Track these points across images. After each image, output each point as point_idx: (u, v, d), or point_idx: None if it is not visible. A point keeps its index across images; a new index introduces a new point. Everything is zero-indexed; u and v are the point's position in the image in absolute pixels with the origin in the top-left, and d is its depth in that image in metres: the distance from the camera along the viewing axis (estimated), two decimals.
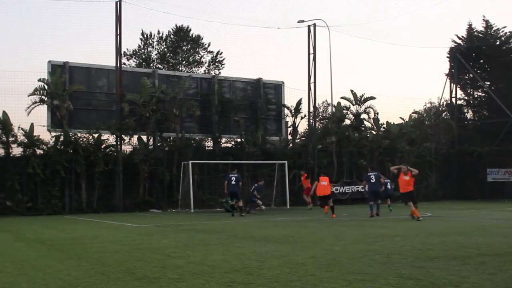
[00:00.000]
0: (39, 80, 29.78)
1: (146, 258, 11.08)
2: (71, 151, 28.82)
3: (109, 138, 30.64)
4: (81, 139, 29.33)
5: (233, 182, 24.65)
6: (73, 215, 26.68)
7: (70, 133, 29.13)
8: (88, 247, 13.30)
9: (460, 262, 10.20)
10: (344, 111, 38.52)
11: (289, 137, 37.62)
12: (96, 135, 29.71)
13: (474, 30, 44.95)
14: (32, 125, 29.04)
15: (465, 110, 46.55)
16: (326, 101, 45.52)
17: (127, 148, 31.68)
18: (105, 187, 29.67)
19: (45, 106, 29.95)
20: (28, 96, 29.61)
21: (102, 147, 30.06)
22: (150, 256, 11.38)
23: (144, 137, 32.20)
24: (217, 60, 55.79)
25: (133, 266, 9.82)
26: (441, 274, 9.02)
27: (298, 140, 38.57)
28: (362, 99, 38.29)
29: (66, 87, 29.74)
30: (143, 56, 54.80)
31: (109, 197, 29.71)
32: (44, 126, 29.68)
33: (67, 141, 28.86)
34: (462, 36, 45.08)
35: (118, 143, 30.58)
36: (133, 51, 54.30)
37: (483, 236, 14.89)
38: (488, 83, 43.74)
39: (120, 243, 14.15)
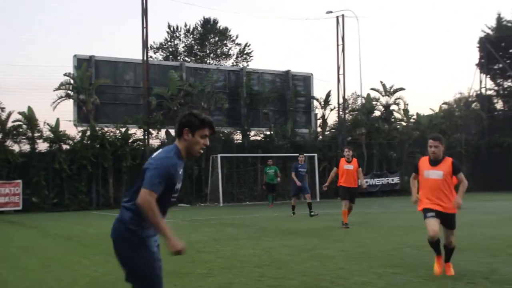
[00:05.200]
0: (65, 74, 29.83)
1: None
2: (98, 145, 28.79)
3: (137, 132, 30.60)
4: (108, 133, 29.30)
5: (303, 174, 21.55)
6: (100, 211, 26.72)
7: (97, 128, 29.12)
8: None
9: (490, 254, 10.08)
10: (374, 102, 38.18)
11: (319, 129, 37.38)
12: (123, 130, 29.70)
13: (503, 20, 44.24)
14: (58, 120, 28.99)
15: (495, 101, 45.79)
16: (355, 92, 45.08)
17: (155, 142, 31.67)
18: (132, 182, 29.61)
19: (71, 101, 29.96)
20: (54, 91, 29.63)
21: (130, 141, 30.03)
22: None
23: (172, 131, 32.23)
24: (245, 52, 55.74)
25: (163, 261, 9.83)
26: (471, 266, 8.93)
27: (328, 132, 38.32)
28: (392, 90, 37.91)
29: (92, 81, 29.80)
30: (170, 49, 54.99)
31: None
32: (70, 121, 29.72)
33: (93, 136, 28.86)
34: (492, 26, 44.43)
35: (146, 137, 30.61)
36: (160, 44, 54.56)
37: None
38: None
39: None
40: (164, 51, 54.78)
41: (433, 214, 8.11)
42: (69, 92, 29.79)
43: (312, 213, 19.97)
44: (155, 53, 53.41)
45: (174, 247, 4.28)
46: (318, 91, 36.41)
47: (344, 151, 16.68)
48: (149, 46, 32.60)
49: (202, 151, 4.72)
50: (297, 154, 23.00)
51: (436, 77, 72.32)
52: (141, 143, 30.46)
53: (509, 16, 44.24)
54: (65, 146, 28.75)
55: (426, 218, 8.21)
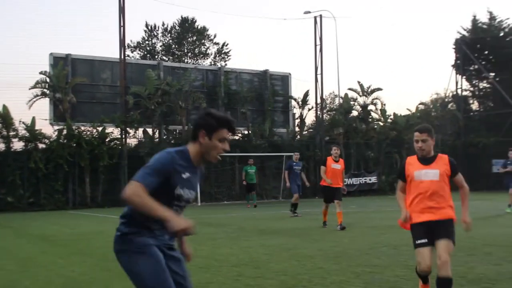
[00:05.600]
0: (41, 72, 29.57)
1: None
2: (74, 144, 28.56)
3: (114, 132, 30.44)
4: (84, 132, 29.11)
5: (298, 172, 21.30)
6: (77, 210, 26.52)
7: (73, 127, 28.91)
8: (92, 243, 13.22)
9: (467, 253, 10.14)
10: (351, 102, 38.39)
11: (297, 129, 37.49)
12: (100, 129, 29.50)
13: (479, 22, 44.81)
14: (33, 119, 28.70)
15: (471, 101, 46.38)
16: (333, 92, 45.40)
17: (132, 142, 31.54)
18: (110, 181, 29.46)
19: (47, 100, 29.73)
20: (30, 89, 29.38)
21: (107, 140, 29.86)
22: None
23: (150, 130, 32.10)
24: (223, 51, 55.71)
25: None
26: None
27: (306, 132, 38.44)
28: (369, 90, 38.16)
29: (69, 80, 29.58)
30: (148, 48, 54.75)
31: (114, 192, 29.47)
32: (46, 119, 29.47)
33: (70, 135, 28.62)
34: (467, 28, 44.95)
35: (123, 136, 30.44)
36: (137, 43, 54.31)
37: (489, 227, 14.83)
38: (493, 74, 43.55)
39: None
40: (141, 50, 54.54)
41: (424, 241, 6.20)
42: (45, 90, 29.53)
43: (295, 214, 19.81)
44: (132, 52, 53.20)
45: (176, 226, 3.58)
46: (296, 91, 36.56)
47: (331, 149, 16.00)
48: (126, 45, 32.33)
49: (219, 158, 4.16)
50: (277, 154, 23.04)
51: (413, 78, 73.02)
52: (118, 142, 30.27)
53: (484, 19, 44.84)
54: (41, 145, 28.48)
55: (416, 247, 6.28)
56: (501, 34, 43.76)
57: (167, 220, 3.60)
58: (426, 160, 6.39)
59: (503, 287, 7.47)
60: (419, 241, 6.26)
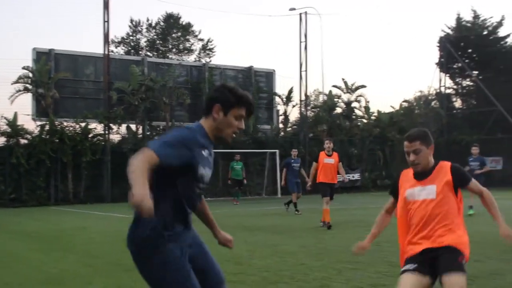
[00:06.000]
0: (23, 67, 29.25)
1: None
2: (57, 140, 28.29)
3: (97, 127, 30.25)
4: (67, 128, 28.88)
5: (297, 169, 20.66)
6: (59, 206, 26.30)
7: (56, 122, 28.68)
8: (75, 239, 13.15)
9: None
10: (335, 99, 38.48)
11: (281, 125, 37.52)
12: (83, 124, 29.30)
13: (463, 20, 45.10)
14: (16, 114, 28.37)
15: (454, 99, 46.71)
16: (317, 89, 45.36)
17: (115, 137, 31.36)
18: (92, 177, 29.29)
19: (29, 95, 29.43)
20: (12, 84, 29.04)
21: (90, 136, 29.66)
22: None
23: (133, 126, 31.95)
24: (208, 47, 55.55)
25: (121, 257, 9.68)
26: None
27: (290, 129, 38.48)
28: (353, 87, 38.26)
29: (52, 75, 29.35)
30: (132, 44, 54.44)
31: (97, 188, 29.37)
32: (28, 115, 29.11)
33: (52, 130, 28.37)
34: (451, 26, 45.24)
35: (106, 132, 30.26)
36: (121, 38, 53.95)
37: (470, 224, 14.84)
38: (476, 72, 43.86)
39: (108, 234, 14.00)
40: (125, 46, 54.21)
41: (413, 267, 4.55)
42: (27, 85, 29.26)
43: (296, 211, 19.14)
44: (116, 48, 52.82)
45: (133, 200, 3.11)
46: (281, 88, 36.57)
47: (324, 143, 15.21)
48: (110, 40, 32.17)
49: (234, 136, 3.72)
50: (261, 151, 22.76)
51: (397, 75, 73.30)
52: (101, 138, 30.08)
53: (468, 17, 45.14)
54: (23, 141, 28.18)
55: (402, 273, 4.66)
56: (485, 32, 44.07)
57: (132, 193, 3.13)
58: (422, 175, 4.78)
59: (483, 283, 7.53)
60: (407, 266, 4.64)
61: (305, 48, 36.62)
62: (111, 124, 30.15)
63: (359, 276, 7.99)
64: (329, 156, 14.72)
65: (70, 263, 9.60)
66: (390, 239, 11.84)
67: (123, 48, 53.92)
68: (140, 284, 7.79)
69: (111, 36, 36.63)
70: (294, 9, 36.71)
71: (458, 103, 47.03)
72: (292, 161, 20.55)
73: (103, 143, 29.78)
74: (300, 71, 36.64)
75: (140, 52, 52.03)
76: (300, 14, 36.72)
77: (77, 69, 30.75)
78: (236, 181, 27.14)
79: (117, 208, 24.22)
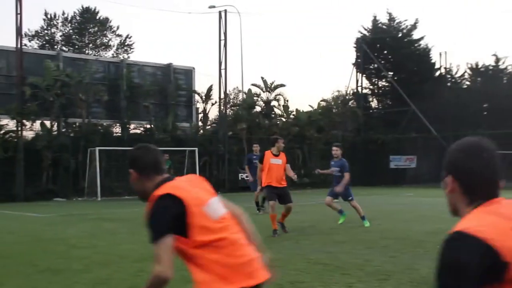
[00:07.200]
0: None
1: (49, 249, 10.63)
2: None
3: (9, 123, 29.23)
4: None
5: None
6: None
7: None
8: None
9: (365, 246, 10.44)
10: (255, 98, 38.67)
11: (200, 123, 37.38)
12: None
13: (379, 22, 46.31)
14: None
15: (370, 99, 47.92)
16: (237, 87, 45.56)
17: (29, 134, 30.37)
18: (4, 175, 28.21)
19: None
20: None
21: (1, 132, 28.64)
22: (54, 247, 10.93)
23: (48, 123, 31.00)
24: (126, 44, 54.68)
25: (35, 258, 9.39)
26: (347, 258, 9.19)
27: (209, 127, 38.40)
28: (273, 86, 38.58)
29: None
30: (47, 38, 52.83)
31: (9, 186, 28.33)
32: None
33: None
34: (368, 27, 46.34)
35: (19, 128, 29.25)
36: (35, 31, 52.28)
37: (386, 221, 15.33)
38: (391, 73, 45.14)
39: (20, 234, 13.52)
40: (40, 39, 52.56)
41: None
42: None
43: (262, 209, 17.64)
44: (30, 41, 51.15)
45: None
46: (201, 86, 36.49)
47: (276, 141, 13.25)
48: (23, 34, 31.05)
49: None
50: (180, 149, 21.71)
51: (316, 75, 74.62)
52: (14, 134, 29.06)
53: (384, 19, 46.37)
54: None
55: None
56: (400, 35, 45.47)
57: None
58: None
59: (398, 278, 7.72)
60: None
61: (225, 46, 36.61)
62: (24, 121, 29.16)
63: (278, 274, 8.01)
64: (276, 156, 13.02)
65: None
66: (310, 236, 12.04)
67: (37, 42, 52.31)
68: (55, 286, 7.56)
69: (24, 29, 35.39)
70: (213, 6, 36.59)
71: (374, 103, 48.36)
72: (254, 157, 18.19)
73: (15, 140, 28.81)
74: (220, 69, 36.61)
75: (55, 47, 50.58)
76: (220, 12, 36.68)
77: None
78: None
79: (30, 207, 23.44)
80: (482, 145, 2.15)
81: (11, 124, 29.17)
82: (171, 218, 3.17)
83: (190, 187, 3.32)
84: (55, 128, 31.30)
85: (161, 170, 3.46)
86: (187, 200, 3.18)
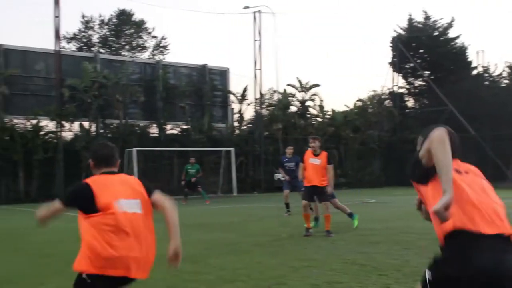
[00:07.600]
0: None
1: None
2: (7, 138, 27.76)
3: (48, 125, 29.71)
4: (18, 125, 28.32)
5: (292, 169, 17.59)
6: (10, 206, 25.69)
7: (6, 119, 28.09)
8: (26, 238, 12.86)
9: (402, 247, 10.34)
10: (290, 98, 38.67)
11: (236, 124, 37.50)
12: (34, 122, 28.72)
13: (414, 21, 45.89)
14: None
15: (406, 99, 47.49)
16: (272, 88, 45.51)
17: (68, 135, 30.85)
18: (44, 176, 28.74)
19: None
20: None
21: (41, 133, 29.14)
22: None
23: (86, 124, 31.46)
24: (161, 45, 55.09)
25: (75, 257, 9.53)
26: (383, 259, 9.12)
27: (245, 127, 38.50)
28: (308, 86, 38.53)
29: (1, 71, 28.69)
30: (84, 40, 53.55)
31: (49, 186, 28.79)
32: None
33: (2, 128, 27.76)
34: (403, 26, 45.96)
35: (58, 129, 29.73)
36: (73, 34, 53.01)
37: (423, 222, 15.14)
38: (428, 72, 44.68)
39: (61, 233, 13.73)
40: (77, 42, 53.29)
41: None
42: None
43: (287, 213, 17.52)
44: (68, 44, 51.90)
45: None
46: (235, 86, 36.59)
47: (309, 141, 13.20)
48: (61, 36, 31.56)
49: None
50: (216, 149, 22.01)
51: (352, 75, 74.16)
52: (53, 135, 29.56)
53: (419, 18, 45.93)
54: None
55: None
56: (436, 33, 44.96)
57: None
58: None
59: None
60: None
61: (259, 46, 36.73)
62: (63, 122, 29.66)
63: (315, 274, 8.02)
64: (316, 156, 12.78)
65: (21, 263, 9.39)
66: (345, 236, 11.99)
67: (75, 44, 53.03)
68: None
69: (62, 32, 35.96)
70: (248, 7, 36.74)
71: (410, 103, 47.87)
72: (286, 160, 18.05)
73: (55, 141, 29.30)
74: (255, 70, 36.73)
75: (92, 49, 51.25)
76: (254, 12, 36.79)
77: (27, 65, 30.12)
78: (189, 183, 26.78)
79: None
80: None
81: (50, 125, 29.65)
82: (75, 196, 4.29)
83: (111, 184, 4.19)
84: (93, 129, 31.74)
85: (111, 164, 4.36)
86: (94, 188, 4.10)
